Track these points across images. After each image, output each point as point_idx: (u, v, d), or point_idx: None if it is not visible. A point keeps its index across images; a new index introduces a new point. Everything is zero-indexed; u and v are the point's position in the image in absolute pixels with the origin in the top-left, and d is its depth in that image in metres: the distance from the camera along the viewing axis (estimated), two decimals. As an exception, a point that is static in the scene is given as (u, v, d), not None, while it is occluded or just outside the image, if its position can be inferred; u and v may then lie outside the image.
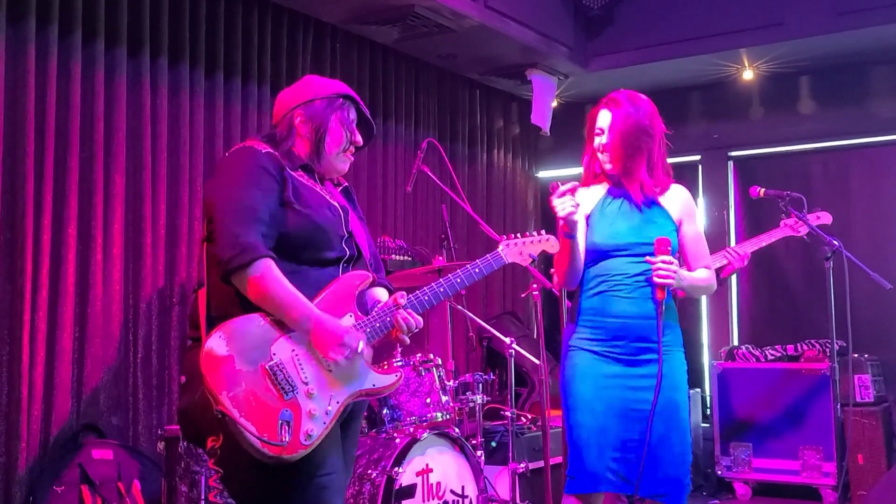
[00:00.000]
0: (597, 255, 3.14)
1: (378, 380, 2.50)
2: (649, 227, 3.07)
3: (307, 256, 2.43)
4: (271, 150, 2.47)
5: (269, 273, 2.31)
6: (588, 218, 3.17)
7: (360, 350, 2.38)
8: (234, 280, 2.31)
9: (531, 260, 2.89)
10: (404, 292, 2.58)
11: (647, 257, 3.01)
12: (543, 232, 2.96)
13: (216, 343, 2.28)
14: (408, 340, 2.54)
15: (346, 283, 2.51)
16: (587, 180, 3.23)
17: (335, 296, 2.47)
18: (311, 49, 5.41)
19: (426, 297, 2.58)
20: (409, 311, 2.52)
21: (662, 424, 3.01)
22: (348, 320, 2.46)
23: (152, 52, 4.55)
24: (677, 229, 3.14)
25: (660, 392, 2.98)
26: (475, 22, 5.47)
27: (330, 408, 2.38)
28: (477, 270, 2.71)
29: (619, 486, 3.04)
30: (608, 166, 3.14)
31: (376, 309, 2.54)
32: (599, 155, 3.15)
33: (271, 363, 2.32)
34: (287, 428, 2.28)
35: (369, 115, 2.68)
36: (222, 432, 2.26)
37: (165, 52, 4.61)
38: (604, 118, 3.13)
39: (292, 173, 2.47)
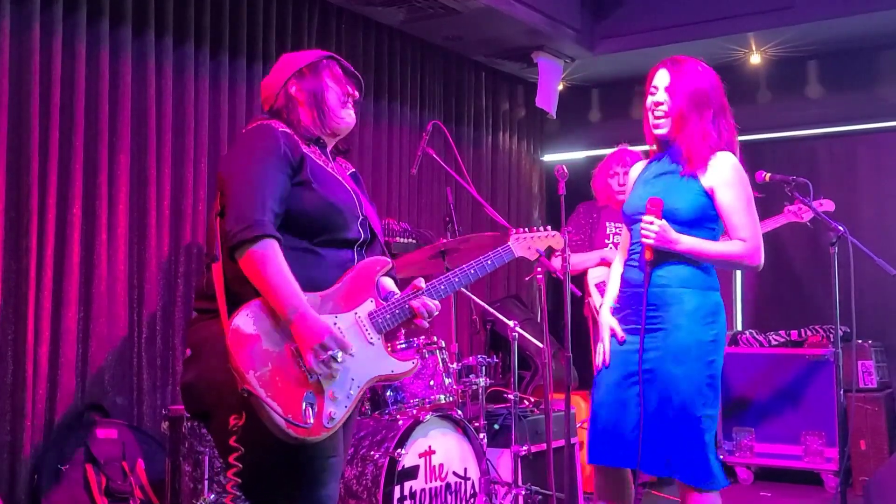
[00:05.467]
0: (626, 223, 3.17)
1: (396, 366, 2.53)
2: (668, 194, 3.00)
3: (324, 237, 2.43)
4: (287, 130, 2.47)
5: (271, 254, 2.29)
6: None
7: (339, 359, 2.34)
8: (237, 253, 2.30)
9: (537, 255, 2.98)
10: (422, 278, 2.62)
11: (641, 216, 3.00)
12: (549, 228, 3.07)
13: (243, 321, 2.28)
14: (427, 325, 2.59)
15: (366, 268, 2.52)
16: (649, 141, 3.20)
17: (356, 281, 2.49)
18: (316, 30, 5.39)
19: (442, 287, 2.63)
20: (428, 297, 2.57)
21: (657, 399, 2.97)
22: (369, 306, 2.48)
23: (157, 31, 4.54)
24: (709, 197, 3.02)
25: (660, 365, 2.97)
26: (481, 3, 5.44)
27: (351, 391, 2.39)
28: (489, 262, 2.79)
29: (622, 461, 3.04)
30: (659, 129, 3.07)
31: (396, 296, 2.56)
32: (650, 114, 3.09)
33: (297, 345, 2.33)
34: (311, 410, 2.29)
35: (353, 69, 2.66)
36: (244, 411, 2.25)
37: (170, 32, 4.60)
38: (661, 77, 3.08)
39: (308, 153, 2.47)
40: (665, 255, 2.98)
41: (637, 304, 3.03)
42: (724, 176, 3.02)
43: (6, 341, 3.94)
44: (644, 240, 2.96)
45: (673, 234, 2.95)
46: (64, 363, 4.10)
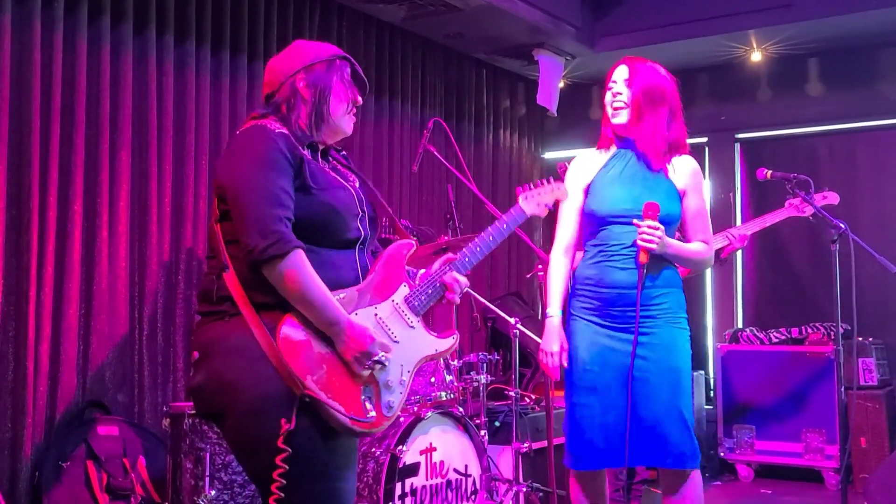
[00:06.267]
0: (596, 223, 3.14)
1: (439, 344, 2.58)
2: (649, 195, 3.04)
3: (326, 240, 2.40)
4: (284, 131, 2.40)
5: (303, 268, 2.28)
6: (588, 187, 3.19)
7: (384, 361, 2.38)
8: (265, 268, 2.26)
9: (547, 210, 2.94)
10: (452, 255, 2.65)
11: (634, 220, 3.01)
12: (552, 179, 2.99)
13: (291, 329, 2.29)
14: (458, 300, 2.63)
15: (395, 254, 2.54)
16: (603, 145, 3.24)
17: (387, 268, 2.51)
18: (317, 27, 5.39)
19: (466, 259, 2.65)
20: (456, 272, 2.60)
21: (668, 391, 3.03)
22: (404, 290, 2.51)
23: (158, 29, 4.54)
24: (681, 199, 3.13)
25: (661, 359, 3.03)
26: (482, 1, 5.44)
27: (404, 378, 2.45)
28: (504, 226, 2.79)
29: (622, 461, 3.06)
30: (618, 119, 3.13)
31: (426, 275, 2.59)
32: (609, 109, 3.16)
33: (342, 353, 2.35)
34: (370, 403, 2.34)
35: (362, 73, 2.61)
36: (295, 416, 2.24)
37: (171, 30, 4.60)
38: (621, 72, 3.16)
39: (306, 155, 2.42)
40: (653, 257, 3.03)
41: (624, 304, 3.06)
42: (695, 181, 3.17)
43: (7, 339, 3.94)
44: (646, 244, 2.97)
45: (667, 239, 3.03)
46: (65, 360, 4.10)
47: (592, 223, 3.16)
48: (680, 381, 3.06)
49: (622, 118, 3.13)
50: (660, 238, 2.96)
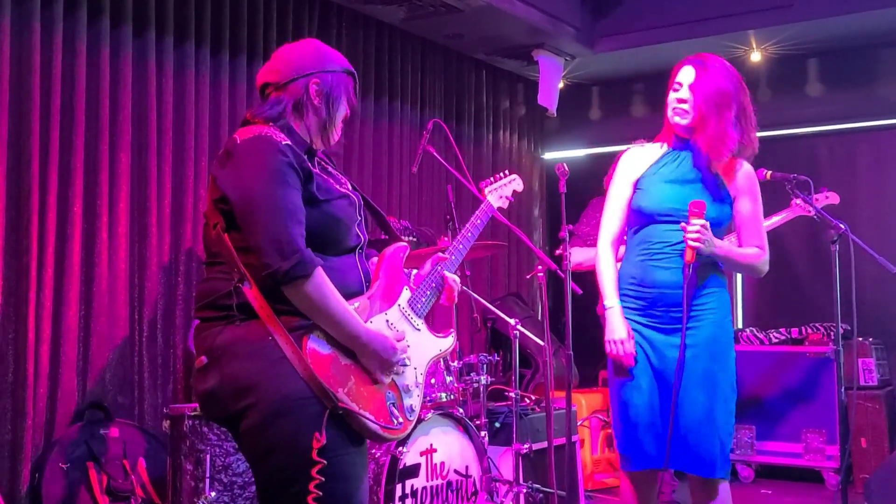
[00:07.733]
0: (642, 220, 3.12)
1: (442, 343, 2.64)
2: (699, 196, 3.01)
3: (330, 249, 2.40)
4: (289, 142, 2.36)
5: (325, 285, 2.28)
6: (637, 181, 3.15)
7: (407, 363, 2.44)
8: (287, 289, 2.25)
9: (508, 202, 3.14)
10: (442, 255, 2.70)
11: (682, 223, 2.97)
12: (508, 172, 3.20)
13: (317, 344, 2.29)
14: (456, 299, 2.69)
15: (394, 259, 2.55)
16: (661, 139, 3.20)
17: (389, 274, 2.52)
18: (316, 28, 5.39)
19: (453, 257, 2.72)
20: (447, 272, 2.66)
21: (704, 395, 3.01)
22: (406, 294, 2.55)
23: (158, 30, 4.54)
24: (732, 203, 3.09)
25: (699, 362, 3.00)
26: (482, 2, 5.43)
27: (418, 379, 2.50)
28: (479, 221, 2.91)
29: (667, 462, 3.04)
30: (680, 122, 3.07)
31: (422, 278, 2.62)
32: (670, 112, 3.10)
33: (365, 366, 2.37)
34: (395, 410, 2.39)
35: (357, 93, 2.61)
36: (325, 428, 2.24)
37: (171, 31, 4.60)
38: (686, 74, 3.08)
39: (311, 167, 2.39)
40: (697, 258, 2.99)
41: (666, 304, 3.04)
42: (748, 185, 3.11)
43: (7, 340, 3.94)
44: (693, 243, 2.93)
45: (715, 239, 2.99)
46: (65, 362, 4.09)
47: (638, 219, 3.13)
48: (717, 386, 3.03)
49: (685, 122, 3.07)
50: (707, 238, 2.93)
